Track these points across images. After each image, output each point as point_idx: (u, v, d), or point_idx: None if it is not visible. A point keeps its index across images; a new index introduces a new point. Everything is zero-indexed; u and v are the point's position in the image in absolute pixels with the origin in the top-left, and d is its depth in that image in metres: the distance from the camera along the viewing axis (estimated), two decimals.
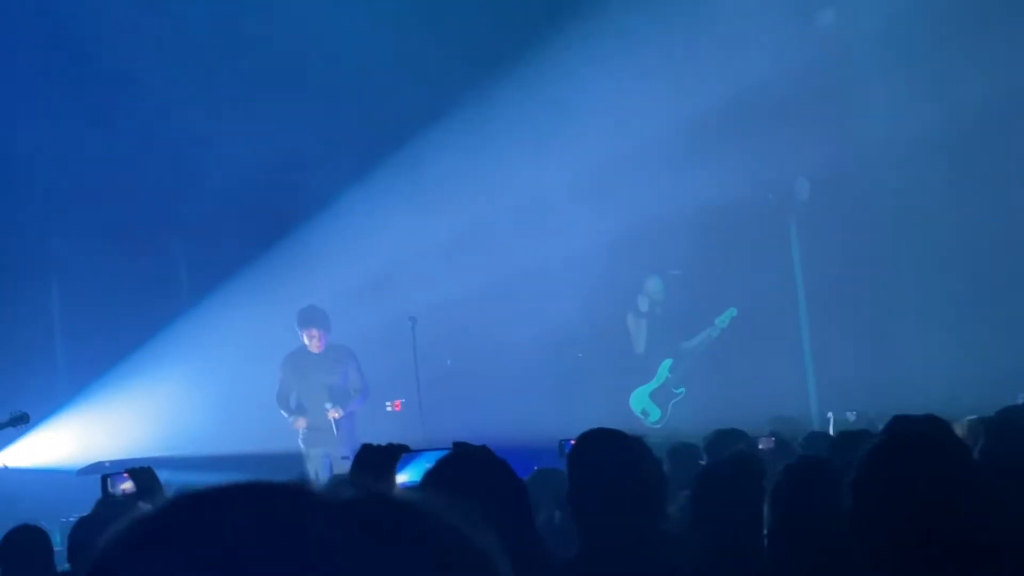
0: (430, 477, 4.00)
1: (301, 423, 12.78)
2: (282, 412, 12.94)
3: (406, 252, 15.10)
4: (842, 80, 14.87)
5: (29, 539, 6.38)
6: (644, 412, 14.61)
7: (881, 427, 9.22)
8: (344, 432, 12.66)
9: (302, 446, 12.82)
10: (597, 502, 4.28)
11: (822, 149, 14.44)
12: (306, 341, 12.93)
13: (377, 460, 4.41)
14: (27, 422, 12.94)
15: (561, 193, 15.11)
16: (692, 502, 4.83)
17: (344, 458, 12.36)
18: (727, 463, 4.94)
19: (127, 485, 6.02)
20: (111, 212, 15.90)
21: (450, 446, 4.14)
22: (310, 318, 12.90)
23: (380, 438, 11.51)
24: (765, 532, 4.02)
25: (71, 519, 13.00)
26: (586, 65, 14.74)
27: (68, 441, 15.17)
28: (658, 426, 14.29)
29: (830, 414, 11.55)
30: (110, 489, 6.06)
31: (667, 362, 14.64)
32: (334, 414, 12.64)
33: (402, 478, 4.43)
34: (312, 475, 12.10)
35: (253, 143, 15.14)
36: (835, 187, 14.91)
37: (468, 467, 3.99)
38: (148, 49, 14.87)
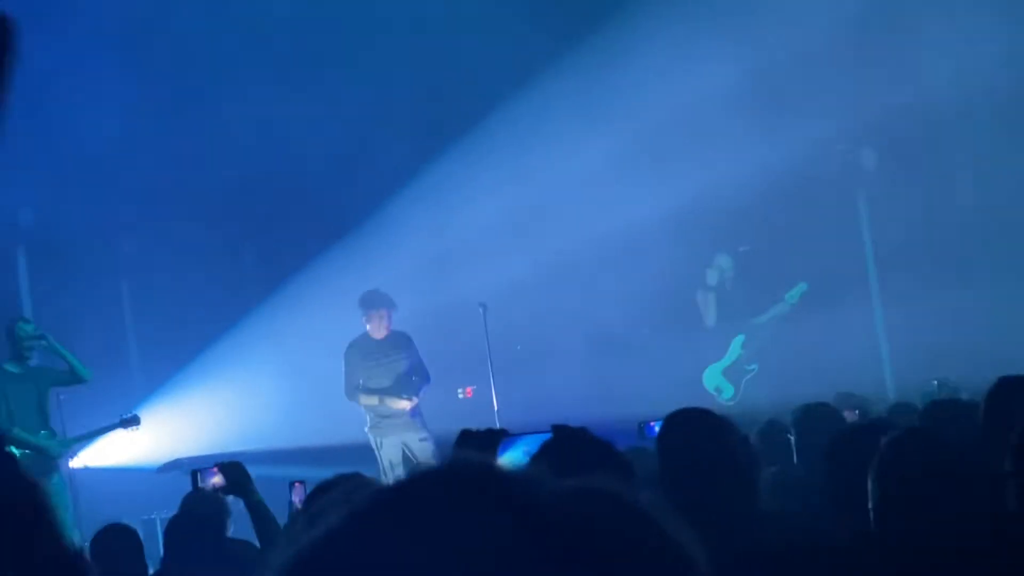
0: (538, 459, 3.98)
1: (404, 404, 12.62)
2: (359, 400, 12.76)
3: (472, 237, 15.08)
4: (906, 44, 14.64)
5: (119, 538, 6.43)
6: (717, 389, 14.56)
7: (966, 396, 9.16)
8: (417, 417, 12.63)
9: (372, 436, 12.70)
10: (691, 482, 4.25)
11: (886, 117, 14.27)
12: (368, 326, 12.82)
13: (478, 445, 4.41)
14: (138, 424, 12.91)
15: (625, 171, 15.03)
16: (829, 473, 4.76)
17: (423, 440, 12.36)
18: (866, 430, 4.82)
19: (217, 479, 6.05)
20: (179, 210, 16.00)
21: (547, 429, 4.11)
22: (376, 301, 12.79)
23: (455, 425, 11.55)
24: (870, 506, 3.96)
25: (152, 516, 13.16)
26: (650, 38, 14.63)
27: (145, 439, 15.27)
28: (731, 403, 14.23)
29: (935, 381, 11.33)
30: (200, 484, 6.10)
31: (739, 338, 14.57)
32: (406, 404, 12.58)
33: (503, 462, 4.41)
34: (387, 465, 12.10)
35: (316, 133, 15.20)
36: (902, 153, 14.74)
37: (576, 448, 3.97)
38: (211, 43, 14.94)
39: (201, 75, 15.13)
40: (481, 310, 13.22)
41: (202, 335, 15.89)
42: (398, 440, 12.55)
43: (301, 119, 15.13)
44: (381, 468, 12.12)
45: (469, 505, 1.10)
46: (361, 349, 12.78)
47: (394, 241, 15.12)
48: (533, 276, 14.83)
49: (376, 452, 12.59)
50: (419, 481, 1.16)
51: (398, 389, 12.62)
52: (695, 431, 4.39)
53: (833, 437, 4.88)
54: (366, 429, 12.73)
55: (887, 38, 14.54)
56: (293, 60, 15.32)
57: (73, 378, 12.47)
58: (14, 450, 11.72)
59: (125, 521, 13.39)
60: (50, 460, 12.09)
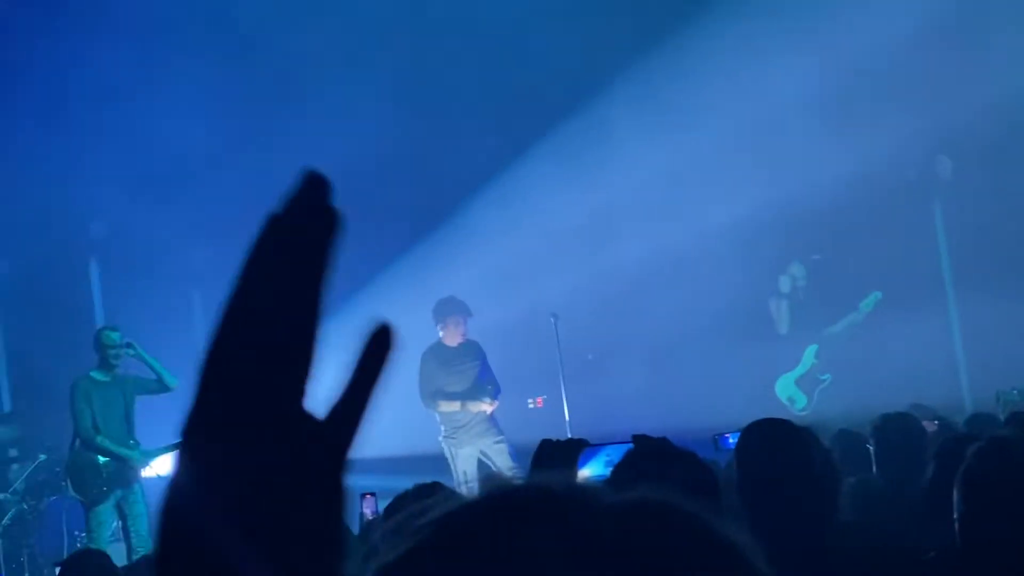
0: (620, 470, 3.93)
1: (485, 406, 12.59)
2: (438, 406, 12.69)
3: (543, 246, 15.05)
4: (983, 51, 14.46)
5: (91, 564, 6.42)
6: (790, 399, 14.43)
7: None
8: (492, 422, 12.62)
9: (446, 447, 12.68)
10: (769, 492, 4.18)
11: (963, 124, 14.09)
12: (442, 334, 12.80)
13: (559, 455, 4.37)
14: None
15: (698, 179, 14.95)
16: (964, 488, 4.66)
17: (498, 442, 12.33)
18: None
19: None
20: (250, 218, 16.01)
21: (626, 439, 4.06)
22: (453, 308, 12.79)
23: (526, 434, 11.50)
24: (955, 517, 3.87)
25: None
26: (724, 44, 14.56)
27: None
28: (805, 413, 14.10)
29: (1015, 391, 11.16)
30: None
31: (812, 348, 14.44)
32: (487, 406, 12.59)
33: (584, 473, 4.38)
34: (461, 476, 12.04)
35: (389, 139, 15.23)
36: (978, 161, 14.56)
37: (659, 459, 3.91)
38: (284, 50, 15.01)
39: (275, 83, 15.21)
40: (552, 320, 13.16)
41: None
42: (474, 450, 12.55)
43: (373, 123, 15.16)
44: (456, 479, 12.07)
45: (529, 534, 1.10)
46: (437, 356, 12.77)
47: (465, 249, 15.09)
48: (604, 286, 14.78)
49: (451, 463, 12.57)
50: (478, 510, 1.16)
51: (475, 395, 12.61)
52: (774, 441, 4.32)
53: (940, 446, 4.78)
54: (440, 439, 12.71)
55: (964, 46, 14.35)
56: (369, 61, 15.34)
57: (160, 387, 12.55)
58: (99, 458, 11.90)
59: None
60: (133, 470, 12.13)
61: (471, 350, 12.81)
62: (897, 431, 6.44)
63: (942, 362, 14.61)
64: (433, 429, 12.96)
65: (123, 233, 16.10)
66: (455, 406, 12.59)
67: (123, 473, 12.03)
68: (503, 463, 12.24)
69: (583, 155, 15.14)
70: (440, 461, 12.81)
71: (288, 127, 15.38)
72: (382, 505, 7.90)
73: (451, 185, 15.58)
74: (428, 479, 10.66)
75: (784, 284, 14.56)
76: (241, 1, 15.02)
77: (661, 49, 14.81)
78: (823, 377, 14.44)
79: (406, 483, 8.50)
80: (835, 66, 14.35)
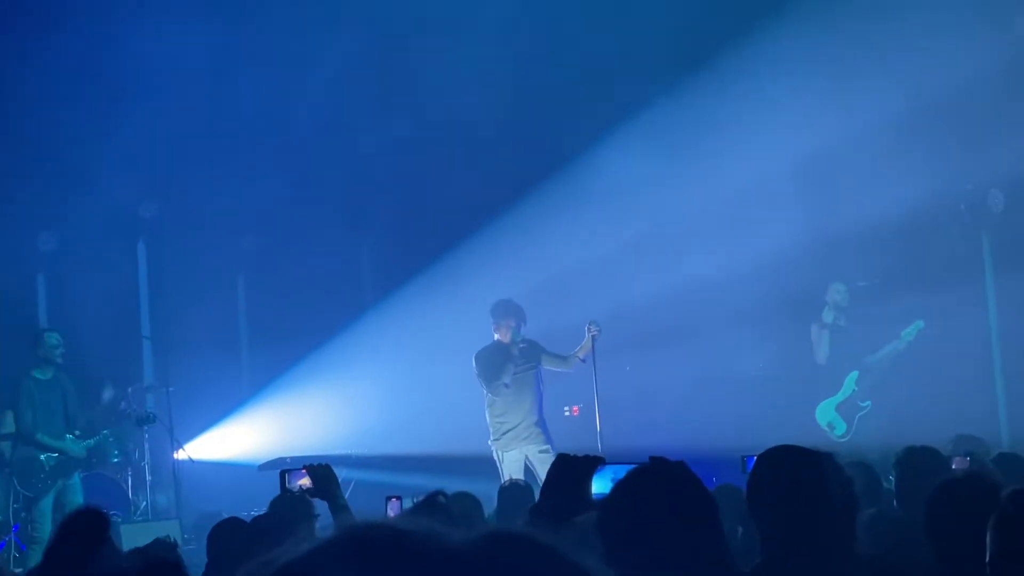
0: (619, 488, 3.92)
1: (585, 346, 12.67)
2: (501, 379, 12.59)
3: (588, 257, 15.06)
4: None
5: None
6: (830, 425, 14.34)
7: None
8: (542, 427, 12.65)
9: (495, 449, 12.69)
10: (779, 522, 4.14)
11: (1018, 159, 14.00)
12: (497, 335, 12.79)
13: (575, 470, 4.38)
14: (152, 421, 13.54)
15: (747, 201, 14.94)
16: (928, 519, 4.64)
17: (543, 451, 12.34)
18: (963, 482, 4.71)
19: (304, 481, 6.04)
20: (301, 208, 16.13)
21: (647, 460, 4.04)
22: (510, 311, 12.79)
23: (561, 443, 11.51)
24: (987, 560, 3.82)
25: (252, 512, 13.25)
26: (776, 73, 14.58)
27: (251, 436, 15.42)
28: (844, 439, 14.02)
29: None
30: (288, 484, 6.09)
31: (853, 374, 14.35)
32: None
33: (597, 488, 4.39)
34: (505, 479, 12.05)
35: (437, 141, 15.27)
36: None
37: (658, 481, 3.89)
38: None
39: (327, 77, 15.26)
40: (588, 328, 13.08)
41: (315, 334, 15.99)
42: (520, 454, 12.56)
43: (422, 126, 15.20)
44: (502, 480, 12.09)
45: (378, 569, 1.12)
46: (492, 352, 12.78)
47: (508, 257, 15.11)
48: (648, 300, 14.77)
49: (499, 465, 12.60)
50: (333, 547, 1.16)
51: (537, 398, 12.64)
52: (786, 469, 4.26)
53: (936, 488, 4.74)
54: (489, 442, 12.73)
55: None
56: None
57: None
58: (40, 453, 12.34)
59: (224, 516, 13.67)
60: (73, 461, 12.82)
61: (526, 352, 12.81)
62: (920, 465, 6.38)
63: (983, 395, 14.50)
64: (475, 431, 12.99)
65: (172, 216, 16.20)
66: (509, 371, 12.57)
67: (63, 466, 12.68)
68: (544, 473, 12.23)
69: (630, 174, 15.15)
70: (479, 461, 12.85)
71: (340, 128, 15.45)
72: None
73: (502, 190, 15.59)
74: (467, 479, 10.71)
75: (827, 315, 14.47)
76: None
77: (712, 75, 14.80)
78: (863, 404, 14.35)
79: (458, 483, 8.56)
80: (894, 98, 14.32)
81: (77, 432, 12.90)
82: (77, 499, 12.54)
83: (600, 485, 4.32)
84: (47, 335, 12.92)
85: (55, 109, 14.83)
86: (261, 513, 6.95)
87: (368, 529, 1.16)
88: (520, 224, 15.44)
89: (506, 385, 12.60)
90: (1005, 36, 14.40)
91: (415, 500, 6.21)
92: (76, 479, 12.79)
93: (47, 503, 12.53)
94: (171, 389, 13.89)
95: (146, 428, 14.01)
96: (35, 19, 14.53)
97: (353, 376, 15.67)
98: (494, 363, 12.69)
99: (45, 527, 12.26)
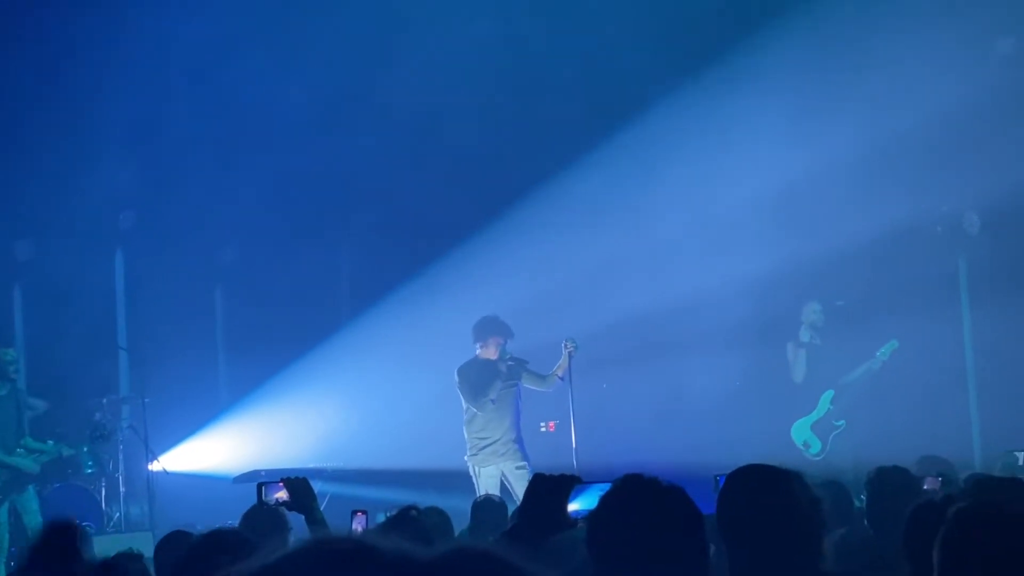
0: (608, 501, 3.94)
1: (562, 365, 12.64)
2: (487, 394, 12.58)
3: (565, 274, 15.09)
4: (1018, 110, 14.45)
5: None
6: (805, 444, 14.39)
7: None
8: (519, 445, 12.65)
9: (471, 464, 12.69)
10: (746, 540, 4.16)
11: (994, 182, 14.09)
12: (480, 351, 12.75)
13: (551, 489, 4.41)
14: (107, 440, 13.46)
15: (724, 222, 15.00)
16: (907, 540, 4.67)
17: (519, 468, 12.34)
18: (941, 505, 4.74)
19: (281, 494, 6.05)
20: (280, 222, 16.12)
21: (622, 478, 4.07)
22: (497, 329, 12.77)
23: (536, 458, 11.50)
24: None
25: (226, 524, 13.22)
26: (754, 95, 14.66)
27: (227, 448, 15.39)
28: (819, 458, 14.07)
29: (1021, 454, 10.98)
30: (264, 498, 6.09)
31: (829, 393, 14.40)
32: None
33: (573, 507, 4.42)
34: (481, 494, 12.03)
35: (417, 158, 15.28)
36: (1006, 221, 14.53)
37: (643, 493, 3.91)
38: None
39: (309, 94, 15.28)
40: (565, 345, 13.08)
41: (292, 346, 15.97)
42: (497, 470, 12.56)
43: (401, 139, 15.22)
44: (477, 496, 12.07)
45: None
46: (474, 367, 12.78)
47: (490, 269, 15.12)
48: (625, 319, 14.81)
49: (474, 480, 12.59)
50: (295, 560, 1.16)
51: (517, 415, 12.66)
52: (758, 488, 4.29)
53: (914, 510, 4.77)
54: (466, 457, 12.73)
55: (1004, 114, 14.35)
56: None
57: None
58: None
59: (199, 528, 13.62)
60: (25, 476, 12.81)
61: (513, 368, 12.80)
62: (890, 485, 6.41)
63: (956, 414, 14.58)
64: (451, 445, 12.99)
65: (151, 225, 16.16)
66: (496, 387, 12.57)
67: (15, 481, 12.67)
68: (521, 489, 12.22)
69: (610, 193, 15.21)
70: (453, 476, 12.85)
71: (320, 141, 15.45)
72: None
73: (477, 208, 15.62)
74: (441, 494, 10.69)
75: (804, 334, 14.52)
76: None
77: (688, 91, 14.88)
78: (838, 423, 14.39)
79: (432, 498, 8.56)
80: (872, 120, 14.41)
81: (29, 446, 12.85)
82: (33, 511, 12.59)
83: (586, 502, 4.36)
84: (2, 349, 12.88)
85: (31, 116, 14.80)
86: (231, 525, 6.94)
87: (334, 542, 1.17)
88: (497, 240, 15.45)
89: (492, 401, 12.61)
90: (985, 57, 14.49)
91: (387, 514, 6.22)
92: (31, 492, 12.77)
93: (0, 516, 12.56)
94: (147, 400, 13.87)
95: (120, 441, 13.99)
96: (7, 22, 14.49)
97: (329, 389, 15.66)
98: (481, 378, 12.69)
99: (2, 538, 12.29)
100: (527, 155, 15.37)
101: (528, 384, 12.87)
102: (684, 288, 14.88)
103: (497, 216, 15.60)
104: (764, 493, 4.20)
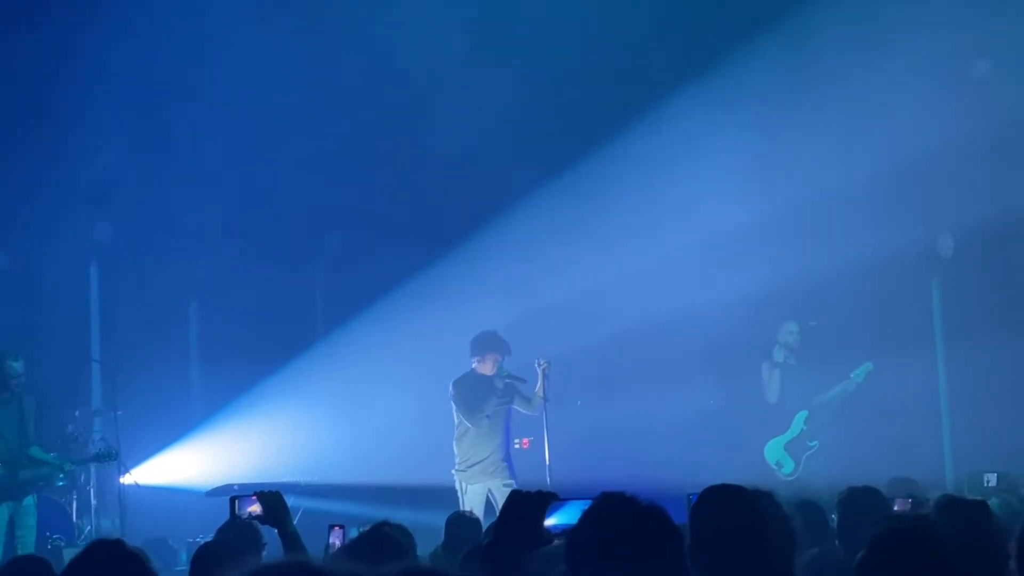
0: (588, 518, 3.95)
1: (538, 392, 12.61)
2: (484, 410, 12.61)
3: (542, 295, 15.11)
4: (993, 135, 14.54)
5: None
6: (778, 463, 14.43)
7: None
8: (507, 463, 12.65)
9: (458, 480, 12.68)
10: (717, 560, 4.18)
11: (968, 206, 14.18)
12: (476, 366, 12.75)
13: (528, 506, 4.43)
14: (114, 459, 13.19)
15: (700, 245, 15.06)
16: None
17: (507, 485, 12.33)
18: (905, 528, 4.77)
19: (255, 508, 6.03)
20: (253, 235, 16.11)
21: (597, 496, 4.09)
22: (496, 345, 12.77)
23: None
24: None
25: (198, 539, 13.19)
26: (731, 120, 14.74)
27: (199, 462, 15.35)
28: (791, 478, 14.10)
29: (994, 475, 10.97)
30: (237, 511, 6.08)
31: (802, 414, 14.44)
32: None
33: (549, 522, 4.44)
34: (468, 510, 12.00)
35: (393, 173, 15.28)
36: (980, 244, 14.61)
37: (622, 510, 3.93)
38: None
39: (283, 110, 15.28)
40: (537, 363, 13.09)
41: (266, 360, 15.95)
42: (484, 487, 12.57)
43: (378, 156, 15.22)
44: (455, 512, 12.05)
45: None
46: (470, 381, 12.78)
47: (466, 288, 15.14)
48: (600, 339, 14.85)
49: (460, 496, 12.58)
50: None
51: (509, 432, 12.67)
52: (727, 508, 4.31)
53: (877, 532, 4.80)
54: (454, 472, 12.72)
55: (977, 138, 14.44)
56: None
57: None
58: None
59: (171, 541, 13.58)
60: (24, 485, 12.52)
61: (509, 386, 12.81)
62: (861, 506, 6.45)
63: (928, 436, 14.64)
64: (431, 461, 12.98)
65: (126, 239, 16.12)
66: (492, 403, 12.59)
67: (11, 490, 12.41)
68: None
69: (600, 210, 15.27)
70: (427, 492, 12.85)
71: (290, 157, 15.45)
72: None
73: (456, 225, 15.64)
74: (417, 510, 10.67)
75: (777, 354, 14.56)
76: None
77: (663, 113, 14.94)
78: (811, 444, 14.43)
79: (407, 514, 8.55)
80: (848, 144, 14.51)
81: (35, 456, 12.66)
82: (30, 521, 12.40)
83: (563, 517, 4.37)
84: (9, 364, 12.56)
85: (4, 126, 14.76)
86: (207, 539, 6.92)
87: (291, 566, 1.19)
88: (473, 259, 15.48)
89: (488, 417, 12.61)
90: (961, 81, 14.57)
91: (360, 529, 6.22)
92: (30, 501, 12.50)
93: None
94: (119, 413, 13.81)
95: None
96: None
97: (303, 404, 15.64)
98: (476, 393, 12.69)
99: None
100: (502, 174, 15.37)
101: (517, 406, 12.87)
102: (660, 308, 14.92)
103: (473, 235, 15.62)
104: (734, 512, 4.22)
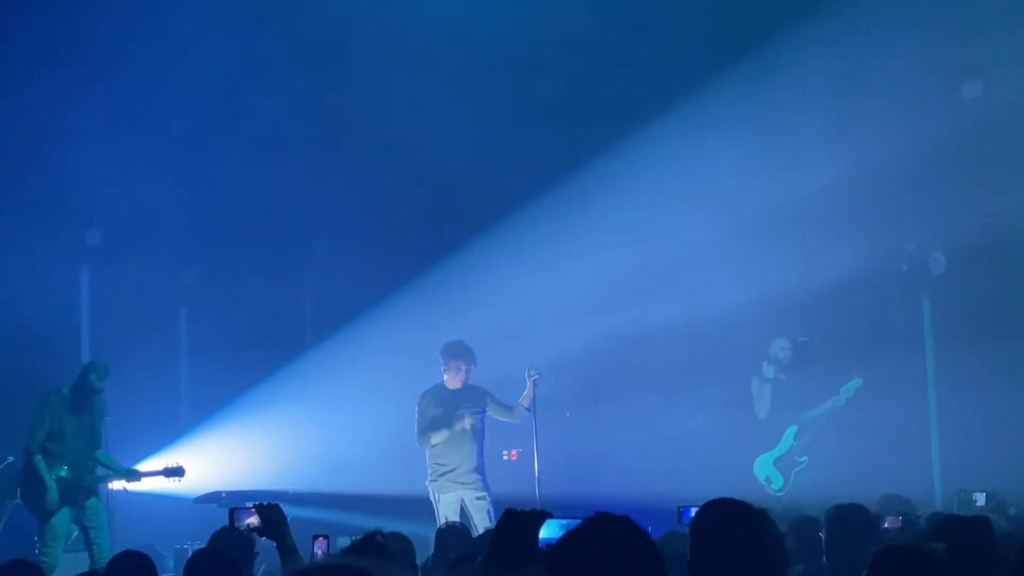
0: (570, 537, 3.96)
1: (467, 422, 12.56)
2: (429, 440, 12.65)
3: (531, 306, 15.11)
4: (985, 153, 14.58)
5: (134, 564, 6.39)
6: (768, 479, 14.43)
7: (1014, 511, 8.98)
8: (479, 475, 12.61)
9: (431, 490, 12.66)
10: (716, 570, 4.20)
11: (960, 223, 14.20)
12: (445, 376, 12.77)
13: (521, 524, 4.47)
14: (181, 475, 12.95)
15: (690, 259, 15.06)
16: None
17: (480, 498, 12.32)
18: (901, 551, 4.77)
19: (253, 520, 6.03)
20: (243, 244, 16.10)
21: (593, 514, 4.10)
22: (459, 352, 12.77)
23: (497, 486, 11.49)
24: None
25: (185, 546, 13.17)
26: (722, 130, 14.75)
27: (188, 469, 15.31)
28: (780, 494, 14.10)
29: (984, 494, 10.96)
30: (236, 522, 6.08)
31: (792, 429, 14.44)
32: (468, 422, 12.60)
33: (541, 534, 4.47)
34: (443, 520, 12.00)
35: (389, 188, 15.29)
36: (972, 262, 14.63)
37: (608, 532, 3.94)
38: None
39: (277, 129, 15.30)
40: (528, 373, 13.08)
41: (255, 369, 15.94)
42: (456, 497, 12.54)
43: (368, 166, 15.23)
44: (438, 521, 12.05)
45: None
46: (435, 397, 12.79)
47: (454, 299, 15.15)
48: (590, 352, 14.85)
49: (435, 506, 12.59)
50: None
51: (465, 438, 12.62)
52: (727, 522, 4.34)
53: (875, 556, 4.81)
54: (426, 482, 12.71)
55: (969, 155, 14.47)
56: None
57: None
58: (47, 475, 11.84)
59: (158, 548, 13.53)
60: (86, 489, 12.24)
61: (471, 395, 12.79)
62: (849, 523, 6.45)
63: (917, 453, 14.65)
64: (415, 471, 12.96)
65: (117, 243, 16.10)
66: (442, 436, 12.57)
67: (74, 493, 12.16)
68: (480, 520, 12.22)
69: (580, 224, 15.29)
70: (411, 502, 12.83)
71: (281, 170, 15.45)
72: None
73: (441, 237, 15.66)
74: (398, 519, 10.66)
75: (767, 370, 14.57)
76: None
77: (656, 122, 14.96)
78: (800, 459, 14.43)
79: (393, 523, 8.53)
80: (840, 159, 14.51)
81: (101, 460, 12.47)
82: (101, 520, 12.20)
83: (550, 532, 4.39)
84: (92, 380, 12.31)
85: None
86: (197, 546, 6.93)
87: (338, 568, 1.19)
88: (462, 269, 15.48)
89: (432, 445, 12.60)
90: (952, 99, 14.61)
91: (352, 539, 6.22)
92: (94, 502, 12.27)
93: (59, 526, 12.05)
94: (108, 418, 13.77)
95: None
96: None
97: (292, 412, 15.63)
98: (435, 412, 12.68)
99: (56, 551, 11.94)
100: (490, 186, 15.37)
101: (495, 415, 12.85)
102: (650, 321, 14.92)
103: (461, 245, 15.63)
104: (738, 525, 4.26)
